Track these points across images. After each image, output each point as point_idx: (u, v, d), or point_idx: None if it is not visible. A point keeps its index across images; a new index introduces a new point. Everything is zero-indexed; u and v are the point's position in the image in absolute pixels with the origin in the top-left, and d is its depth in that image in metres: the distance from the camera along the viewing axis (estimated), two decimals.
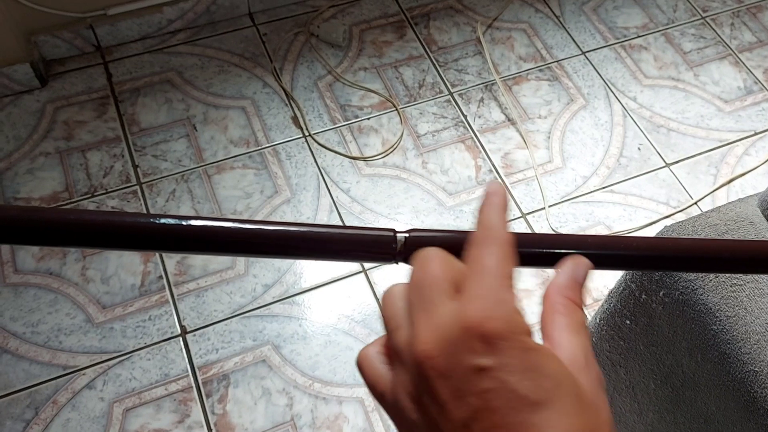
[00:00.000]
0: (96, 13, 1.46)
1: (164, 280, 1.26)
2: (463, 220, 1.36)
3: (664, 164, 1.47)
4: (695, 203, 1.41)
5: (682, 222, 0.70)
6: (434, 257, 0.28)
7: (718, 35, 1.69)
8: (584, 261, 0.32)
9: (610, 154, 1.47)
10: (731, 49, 1.67)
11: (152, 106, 1.47)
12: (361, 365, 0.29)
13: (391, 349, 0.27)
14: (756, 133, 1.52)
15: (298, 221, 1.33)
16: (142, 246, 0.32)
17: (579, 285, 0.30)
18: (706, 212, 0.71)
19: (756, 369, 0.61)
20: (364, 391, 1.17)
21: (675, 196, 1.42)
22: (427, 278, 0.27)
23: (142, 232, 0.31)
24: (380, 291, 1.27)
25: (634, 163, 1.46)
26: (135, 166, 1.39)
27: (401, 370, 0.26)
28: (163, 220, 0.32)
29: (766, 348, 0.62)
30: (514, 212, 1.38)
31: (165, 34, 1.57)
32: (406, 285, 0.28)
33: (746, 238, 0.68)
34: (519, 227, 1.36)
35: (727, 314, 0.64)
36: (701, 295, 0.66)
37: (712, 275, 0.66)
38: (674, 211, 1.39)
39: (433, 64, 1.58)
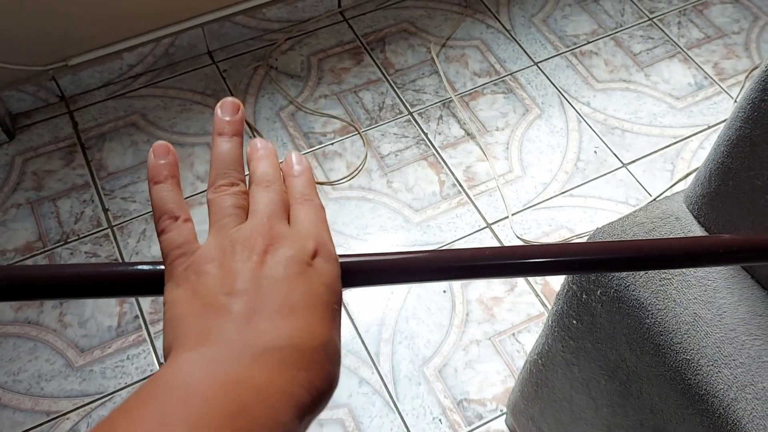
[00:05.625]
0: (58, 65, 1.50)
1: (140, 320, 1.28)
2: (430, 235, 1.40)
3: (620, 165, 1.51)
4: (654, 200, 1.45)
5: (612, 223, 0.74)
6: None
7: (666, 34, 1.75)
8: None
9: (567, 159, 1.51)
10: (680, 46, 1.72)
11: (118, 150, 1.50)
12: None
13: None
14: (709, 127, 1.57)
15: None
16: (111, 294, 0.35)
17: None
18: (634, 212, 0.74)
19: (688, 357, 0.65)
20: (343, 412, 1.20)
21: (633, 194, 1.46)
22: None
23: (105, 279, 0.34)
24: (359, 322, 1.30)
25: (592, 166, 1.50)
26: (105, 210, 1.42)
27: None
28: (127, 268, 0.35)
29: (695, 337, 0.65)
30: (479, 223, 1.42)
31: (127, 79, 1.61)
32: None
33: (672, 234, 0.71)
34: (485, 237, 1.40)
35: (658, 307, 0.67)
36: (633, 291, 0.69)
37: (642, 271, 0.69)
38: (634, 209, 1.43)
39: (392, 87, 1.63)
